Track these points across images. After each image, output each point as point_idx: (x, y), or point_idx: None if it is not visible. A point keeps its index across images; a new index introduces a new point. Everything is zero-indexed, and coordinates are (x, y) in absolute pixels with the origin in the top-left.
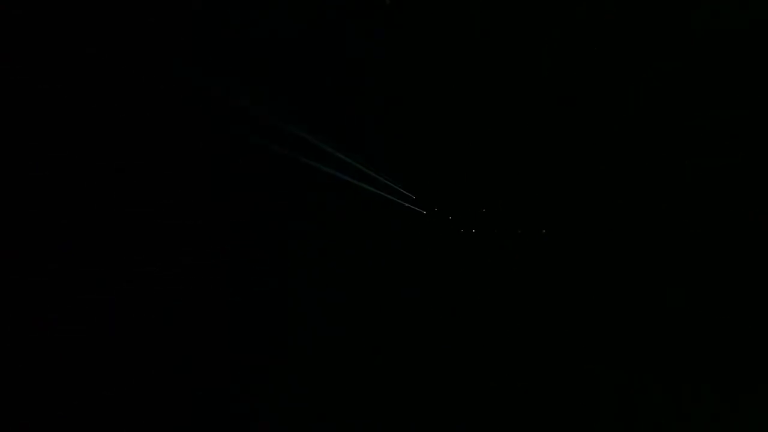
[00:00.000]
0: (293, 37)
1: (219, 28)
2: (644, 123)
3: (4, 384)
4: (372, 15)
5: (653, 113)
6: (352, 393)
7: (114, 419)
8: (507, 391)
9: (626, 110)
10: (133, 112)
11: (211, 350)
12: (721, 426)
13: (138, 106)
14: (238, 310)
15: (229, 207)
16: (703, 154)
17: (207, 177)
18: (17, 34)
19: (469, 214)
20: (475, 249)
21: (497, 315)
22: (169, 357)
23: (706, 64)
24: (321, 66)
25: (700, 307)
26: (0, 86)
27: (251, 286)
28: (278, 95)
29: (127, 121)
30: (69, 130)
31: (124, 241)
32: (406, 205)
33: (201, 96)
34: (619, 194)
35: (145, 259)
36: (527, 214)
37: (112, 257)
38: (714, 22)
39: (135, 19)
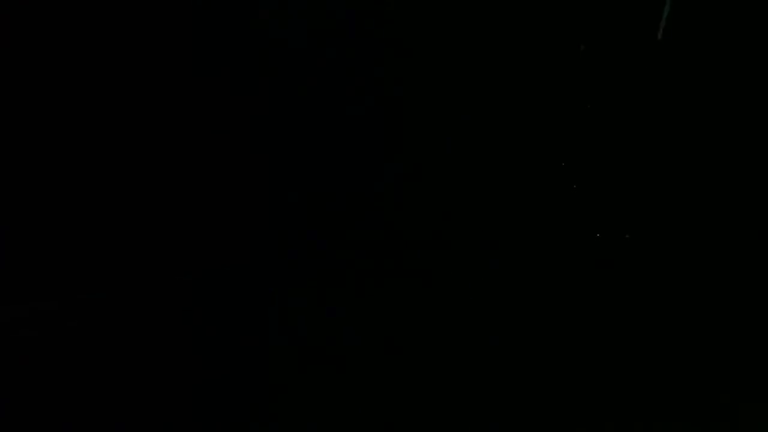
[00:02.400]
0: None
1: (219, 28)
2: (644, 122)
3: (5, 384)
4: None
5: (653, 113)
6: (352, 393)
7: (114, 419)
8: (507, 391)
9: (626, 110)
10: (132, 112)
11: (210, 350)
12: (721, 426)
13: (137, 106)
14: (236, 308)
15: (229, 204)
16: (703, 153)
17: (207, 176)
18: (17, 34)
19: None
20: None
21: (497, 315)
22: (170, 356)
23: (706, 63)
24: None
25: (700, 307)
26: (0, 86)
27: (251, 285)
28: (281, 96)
29: (127, 122)
30: (69, 130)
31: (124, 240)
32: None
33: (201, 95)
34: (619, 195)
35: (145, 258)
36: (527, 218)
37: (111, 257)
38: (713, 23)
39: (135, 18)
